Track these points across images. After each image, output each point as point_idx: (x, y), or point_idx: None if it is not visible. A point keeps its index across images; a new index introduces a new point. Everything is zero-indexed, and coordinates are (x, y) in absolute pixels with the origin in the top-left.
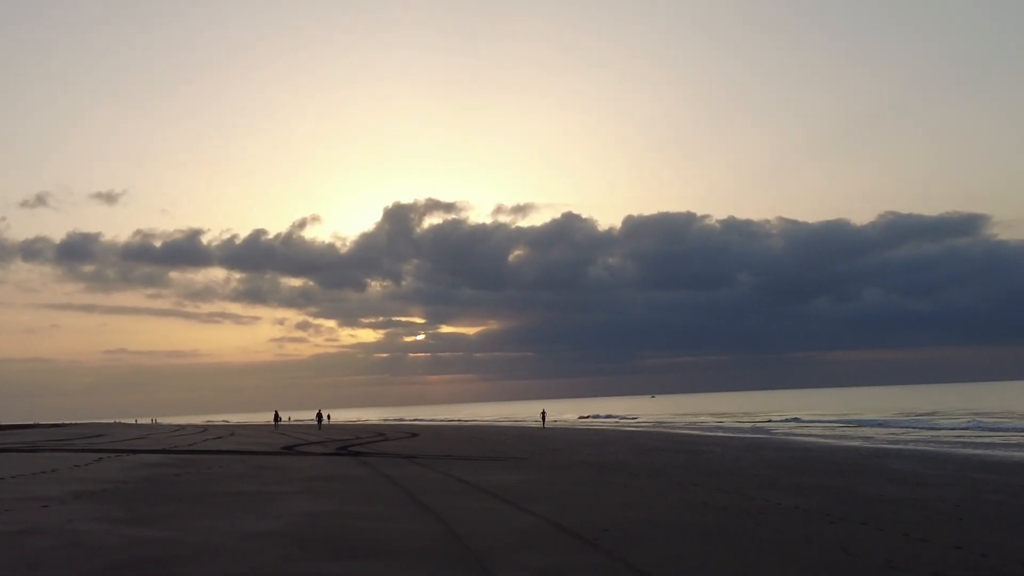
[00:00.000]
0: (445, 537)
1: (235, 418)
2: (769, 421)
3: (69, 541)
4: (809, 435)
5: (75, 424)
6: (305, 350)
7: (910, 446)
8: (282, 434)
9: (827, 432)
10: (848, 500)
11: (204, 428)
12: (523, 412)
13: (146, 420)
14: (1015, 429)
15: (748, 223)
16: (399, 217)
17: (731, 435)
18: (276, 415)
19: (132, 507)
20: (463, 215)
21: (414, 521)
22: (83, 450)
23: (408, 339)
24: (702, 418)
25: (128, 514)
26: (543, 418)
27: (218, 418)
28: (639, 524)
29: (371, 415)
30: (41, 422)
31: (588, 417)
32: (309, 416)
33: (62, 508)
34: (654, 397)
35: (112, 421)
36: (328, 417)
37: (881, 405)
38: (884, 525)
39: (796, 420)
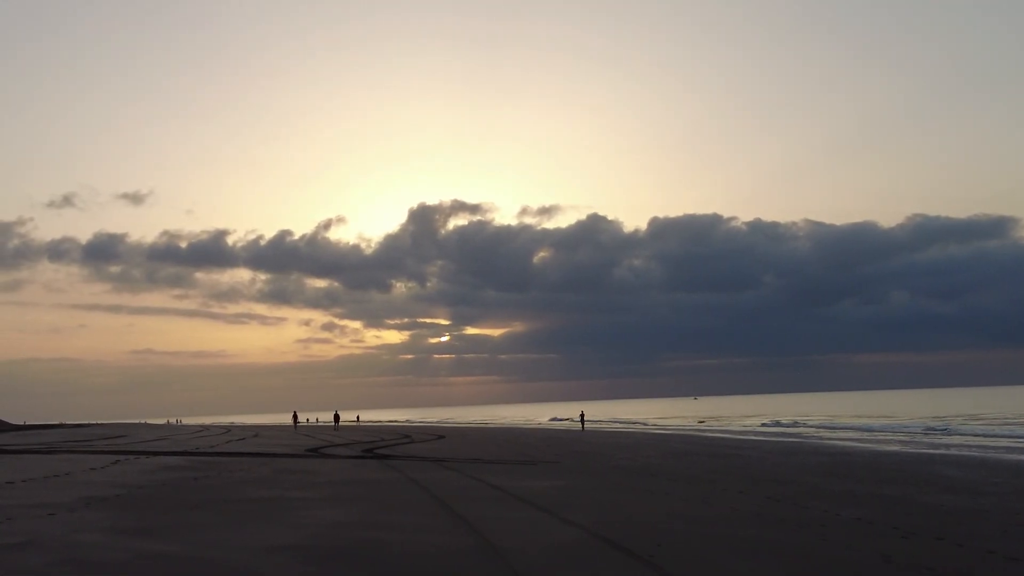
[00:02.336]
0: (482, 551)
1: (261, 419)
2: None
3: (69, 556)
4: (845, 439)
5: (99, 424)
6: (331, 351)
7: (952, 451)
8: (306, 435)
9: (865, 436)
10: (911, 511)
11: (228, 429)
12: (549, 414)
13: (172, 420)
14: None
15: (774, 225)
16: (424, 218)
17: (763, 439)
18: (295, 416)
19: (144, 515)
20: (488, 216)
21: (447, 533)
22: (101, 451)
23: (433, 340)
24: (724, 422)
25: (138, 524)
26: (582, 420)
27: (244, 419)
28: (694, 538)
29: (396, 416)
30: (67, 422)
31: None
32: (331, 418)
33: (69, 516)
34: (696, 399)
35: (140, 421)
36: (357, 418)
37: (909, 409)
38: (961, 540)
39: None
